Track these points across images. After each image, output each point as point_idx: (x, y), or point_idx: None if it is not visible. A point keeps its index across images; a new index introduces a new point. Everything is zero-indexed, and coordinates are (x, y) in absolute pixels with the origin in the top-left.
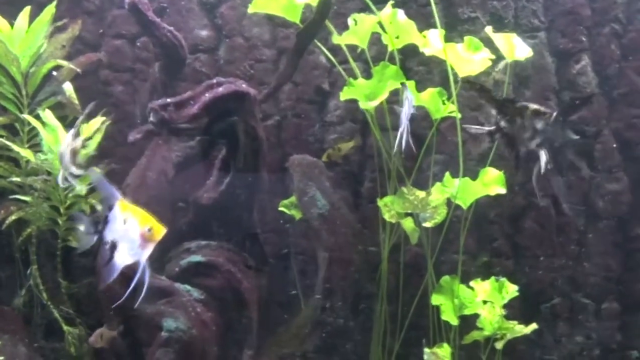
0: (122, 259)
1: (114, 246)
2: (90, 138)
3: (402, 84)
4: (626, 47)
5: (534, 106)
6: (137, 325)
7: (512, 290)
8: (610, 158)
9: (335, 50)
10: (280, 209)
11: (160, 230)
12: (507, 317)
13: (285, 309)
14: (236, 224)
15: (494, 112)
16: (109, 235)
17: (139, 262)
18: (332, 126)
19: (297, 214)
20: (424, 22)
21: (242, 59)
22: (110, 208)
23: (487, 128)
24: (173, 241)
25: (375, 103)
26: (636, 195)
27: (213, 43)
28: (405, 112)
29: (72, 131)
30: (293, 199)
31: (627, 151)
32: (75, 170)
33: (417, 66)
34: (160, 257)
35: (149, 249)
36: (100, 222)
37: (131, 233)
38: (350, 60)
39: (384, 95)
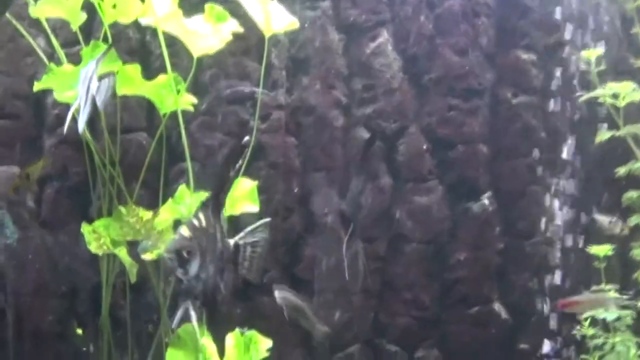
0: None
1: None
2: None
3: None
4: (441, 18)
5: None
6: None
7: (264, 346)
8: (420, 163)
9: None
10: None
11: None
12: None
13: None
14: None
15: None
16: None
17: None
18: (52, 129)
19: None
20: None
21: None
22: None
23: None
24: None
25: (73, 93)
26: (455, 211)
27: None
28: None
29: None
30: None
31: (442, 153)
32: None
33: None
34: None
35: None
36: None
37: None
38: (54, 40)
39: None
